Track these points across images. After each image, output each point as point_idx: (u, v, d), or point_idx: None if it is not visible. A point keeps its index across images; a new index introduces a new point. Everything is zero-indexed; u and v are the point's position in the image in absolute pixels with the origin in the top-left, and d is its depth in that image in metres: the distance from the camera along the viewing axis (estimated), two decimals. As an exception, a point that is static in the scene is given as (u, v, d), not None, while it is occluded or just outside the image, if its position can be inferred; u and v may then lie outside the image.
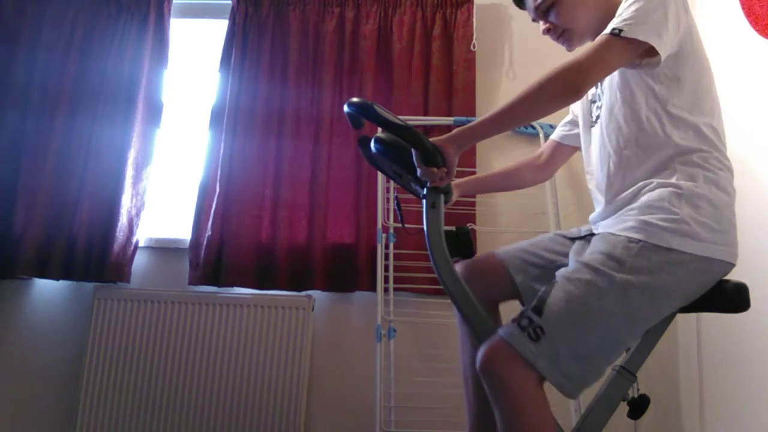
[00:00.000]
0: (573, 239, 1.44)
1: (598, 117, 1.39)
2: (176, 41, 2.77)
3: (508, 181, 1.73)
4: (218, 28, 2.78)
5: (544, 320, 1.11)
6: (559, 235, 1.49)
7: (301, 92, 2.59)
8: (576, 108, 1.60)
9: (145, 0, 2.70)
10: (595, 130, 1.39)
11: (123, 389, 2.36)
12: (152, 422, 2.33)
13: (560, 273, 1.19)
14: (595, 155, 1.39)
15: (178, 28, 2.82)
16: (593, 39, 1.32)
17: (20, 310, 2.56)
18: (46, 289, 2.56)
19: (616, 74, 1.29)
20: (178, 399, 2.35)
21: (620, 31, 1.17)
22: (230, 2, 2.71)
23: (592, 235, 1.34)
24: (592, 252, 1.21)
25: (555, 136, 1.68)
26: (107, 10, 2.73)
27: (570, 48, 1.43)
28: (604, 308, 1.11)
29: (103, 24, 2.71)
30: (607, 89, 1.33)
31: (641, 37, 1.16)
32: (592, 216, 1.40)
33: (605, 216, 1.32)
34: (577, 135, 1.56)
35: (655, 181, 1.22)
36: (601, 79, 1.22)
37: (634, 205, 1.22)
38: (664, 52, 1.18)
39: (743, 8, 1.93)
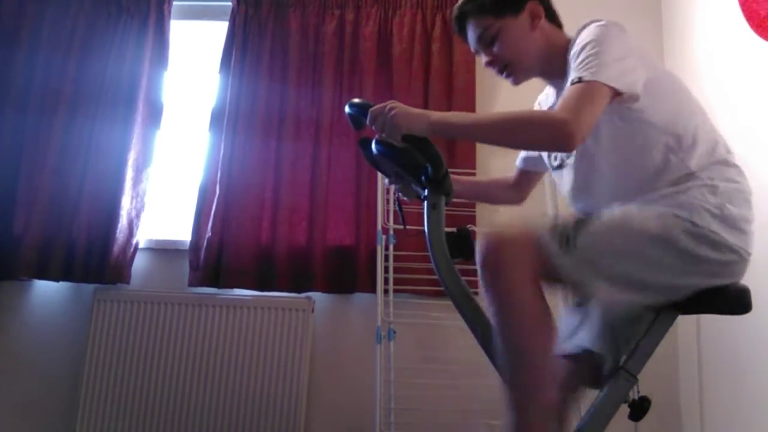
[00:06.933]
0: None
1: (562, 161, 1.33)
2: (176, 43, 2.77)
3: (478, 194, 1.69)
4: (218, 30, 2.78)
5: (580, 240, 1.11)
6: None
7: (301, 94, 2.59)
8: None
9: (146, 1, 2.70)
10: (567, 172, 1.33)
11: (123, 390, 2.36)
12: (152, 423, 2.33)
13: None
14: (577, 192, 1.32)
15: (179, 29, 2.82)
16: (538, 75, 1.32)
17: (20, 312, 2.55)
18: (46, 290, 2.56)
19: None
20: (177, 400, 2.34)
21: (590, 77, 1.11)
22: (230, 4, 2.71)
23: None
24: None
25: (519, 162, 1.60)
26: (107, 12, 2.73)
27: (515, 82, 1.37)
28: (637, 238, 1.12)
29: (103, 25, 2.71)
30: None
31: (613, 83, 1.12)
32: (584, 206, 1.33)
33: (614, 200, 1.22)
34: (540, 158, 1.48)
35: (682, 184, 1.19)
36: (591, 131, 1.13)
37: (666, 192, 1.18)
38: (635, 89, 1.16)
39: (743, 10, 1.93)
